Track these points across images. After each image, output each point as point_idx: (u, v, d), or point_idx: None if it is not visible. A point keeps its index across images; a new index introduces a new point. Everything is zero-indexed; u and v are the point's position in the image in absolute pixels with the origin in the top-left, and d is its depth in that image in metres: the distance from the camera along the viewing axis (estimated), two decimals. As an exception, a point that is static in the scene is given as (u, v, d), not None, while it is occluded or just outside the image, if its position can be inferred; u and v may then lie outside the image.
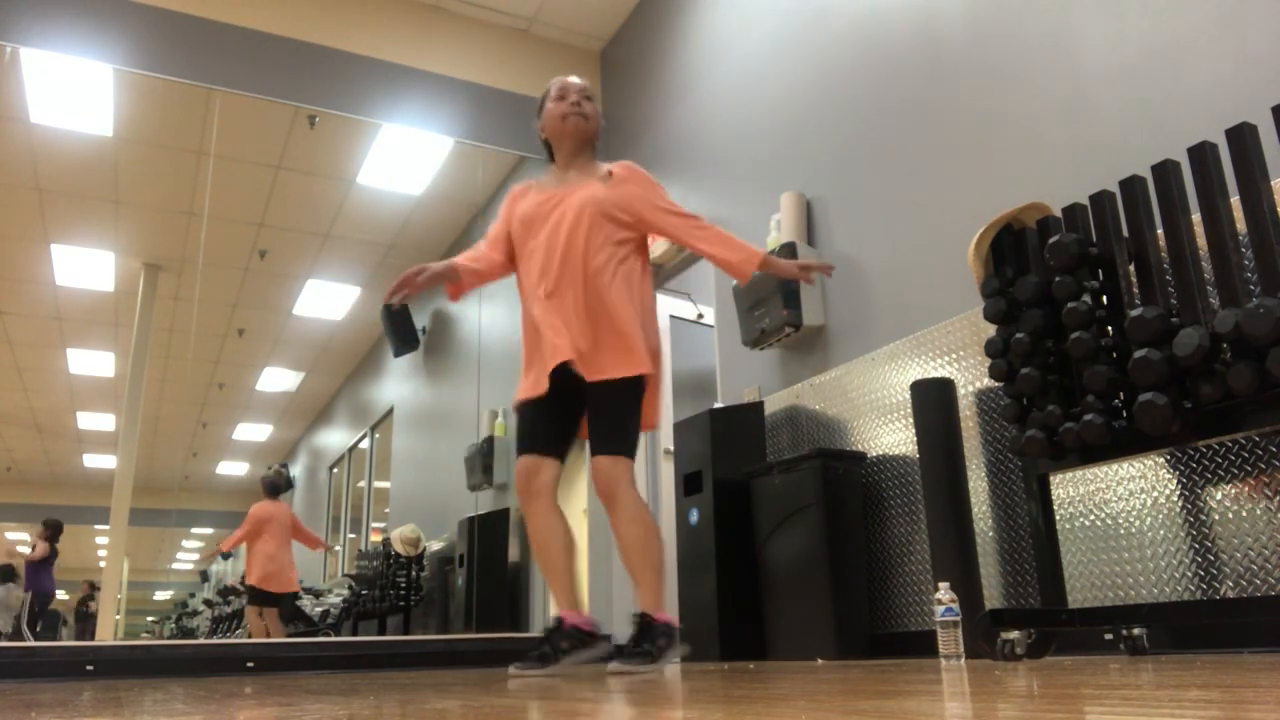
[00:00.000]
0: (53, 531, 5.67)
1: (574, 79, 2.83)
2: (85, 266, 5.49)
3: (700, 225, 2.67)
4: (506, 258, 2.82)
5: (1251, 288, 2.11)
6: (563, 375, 2.55)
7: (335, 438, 6.93)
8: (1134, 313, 2.07)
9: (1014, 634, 2.20)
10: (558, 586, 2.54)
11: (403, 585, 5.79)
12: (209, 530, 6.45)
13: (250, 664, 3.95)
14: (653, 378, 2.60)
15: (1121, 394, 2.19)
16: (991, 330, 2.89)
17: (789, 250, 3.70)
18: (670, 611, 2.57)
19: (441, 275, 2.64)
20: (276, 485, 5.70)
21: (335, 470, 6.88)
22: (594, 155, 2.87)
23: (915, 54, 3.42)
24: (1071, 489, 2.63)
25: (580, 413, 2.65)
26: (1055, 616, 2.28)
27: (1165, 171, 2.16)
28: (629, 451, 2.51)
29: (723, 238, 2.65)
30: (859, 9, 3.73)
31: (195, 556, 6.48)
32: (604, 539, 5.17)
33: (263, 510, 5.61)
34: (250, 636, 5.41)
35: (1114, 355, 2.20)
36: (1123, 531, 2.46)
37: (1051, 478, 2.65)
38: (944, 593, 2.32)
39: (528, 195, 2.82)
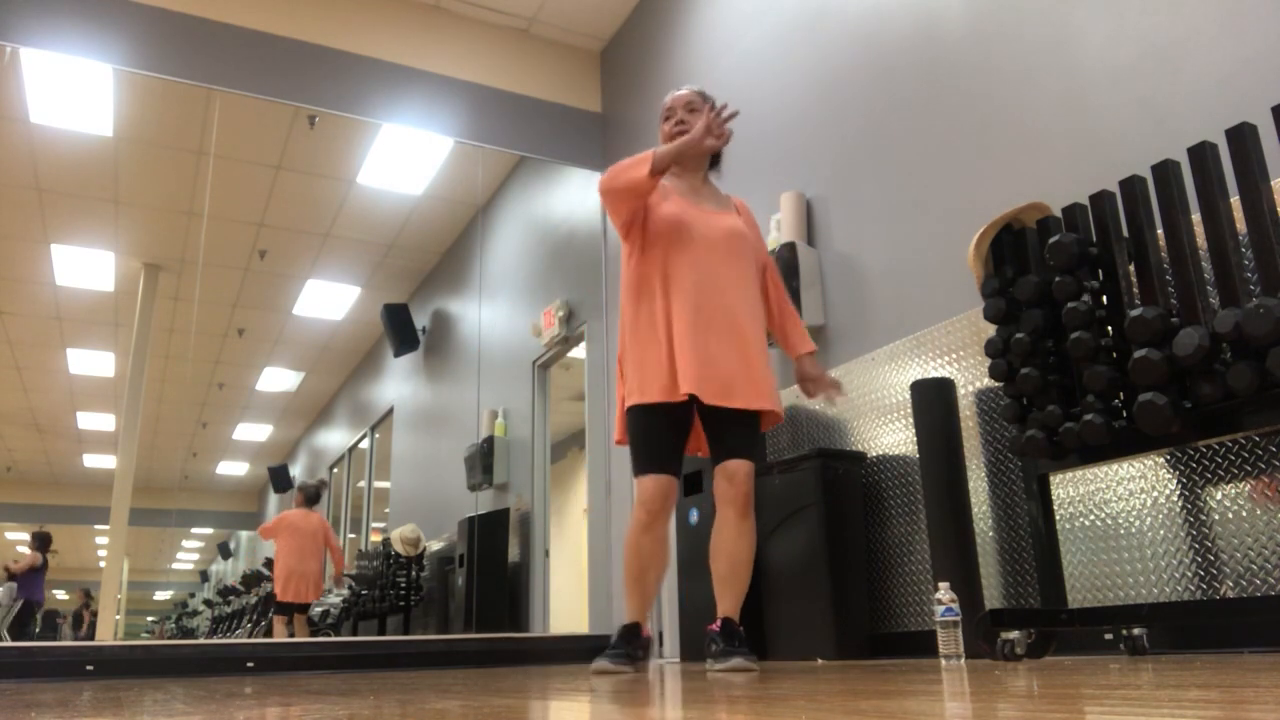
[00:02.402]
0: (40, 543, 5.68)
1: (681, 92, 2.79)
2: (85, 266, 5.49)
3: (787, 297, 2.86)
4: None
5: (1251, 288, 2.11)
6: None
7: (335, 438, 6.93)
8: (1134, 313, 2.07)
9: (1014, 634, 2.20)
10: (642, 601, 2.54)
11: (403, 585, 5.79)
12: (209, 530, 6.44)
13: (250, 664, 3.95)
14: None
15: (1121, 394, 2.19)
16: (991, 330, 2.89)
17: (789, 250, 3.70)
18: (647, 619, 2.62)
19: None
20: (313, 497, 5.73)
21: (335, 470, 6.88)
22: (713, 166, 2.85)
23: (915, 54, 3.42)
24: (1071, 489, 2.63)
25: (690, 429, 2.64)
26: (1055, 616, 2.28)
27: (1165, 171, 2.16)
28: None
29: (796, 317, 2.86)
30: (859, 9, 3.73)
31: (195, 557, 6.48)
32: (603, 539, 5.17)
33: (290, 518, 5.64)
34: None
35: (1114, 355, 2.20)
36: (1123, 531, 2.46)
37: (1051, 478, 2.65)
38: (944, 593, 2.32)
39: (667, 194, 2.72)
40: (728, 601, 2.51)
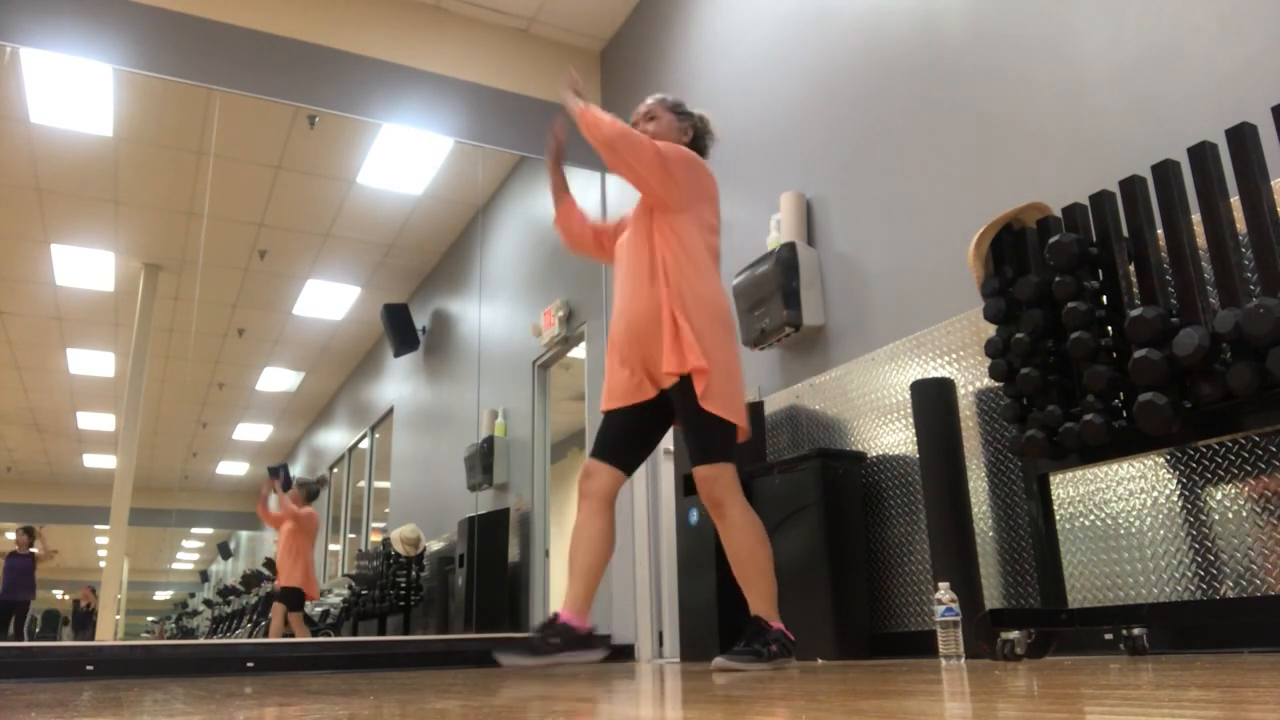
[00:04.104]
0: (30, 538, 5.66)
1: (644, 102, 2.86)
2: (85, 266, 5.49)
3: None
4: (599, 242, 2.95)
5: (1251, 288, 2.11)
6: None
7: (335, 438, 6.93)
8: (1134, 313, 2.07)
9: (1014, 634, 2.20)
10: (571, 587, 2.55)
11: (403, 585, 5.79)
12: (209, 530, 6.45)
13: (250, 664, 3.96)
14: (718, 367, 2.52)
15: (1121, 394, 2.19)
16: (991, 330, 2.89)
17: (789, 250, 3.70)
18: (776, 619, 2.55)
19: (558, 183, 2.95)
20: (315, 494, 5.75)
21: (335, 470, 6.88)
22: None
23: (916, 54, 3.42)
24: (1071, 489, 2.63)
25: (658, 427, 2.71)
26: (1055, 616, 2.28)
27: (1165, 171, 2.16)
28: (725, 456, 2.50)
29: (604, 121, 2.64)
30: (859, 9, 3.73)
31: (195, 557, 6.47)
32: (604, 539, 5.16)
33: (312, 516, 5.66)
34: (269, 636, 5.42)
35: (1114, 355, 2.20)
36: (1123, 531, 2.46)
37: (1051, 478, 2.65)
38: (944, 593, 2.32)
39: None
40: (751, 598, 2.52)
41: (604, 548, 2.56)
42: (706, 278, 2.60)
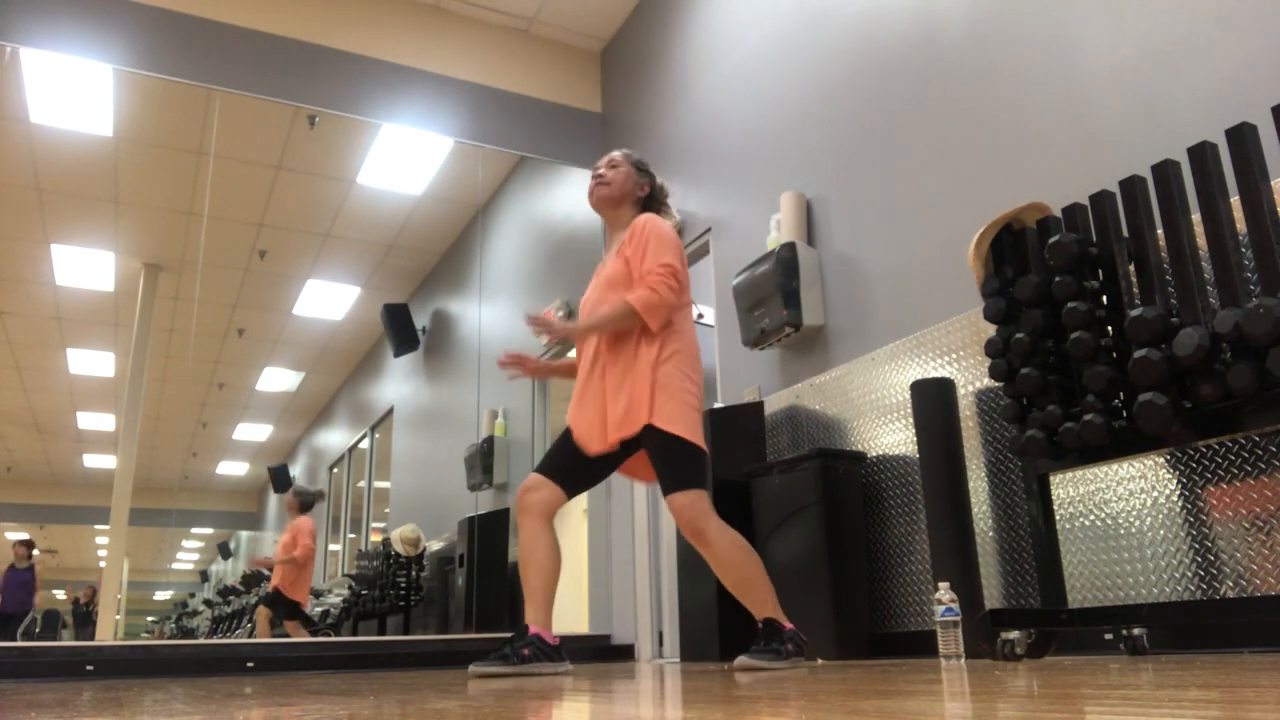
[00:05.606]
0: (29, 550, 5.66)
1: (610, 154, 2.96)
2: (85, 266, 5.49)
3: (640, 293, 2.63)
4: None
5: (1251, 288, 2.11)
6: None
7: (335, 438, 6.93)
8: (1134, 313, 2.07)
9: (1014, 634, 2.20)
10: (529, 601, 2.59)
11: (403, 585, 5.79)
12: (209, 530, 6.44)
13: (250, 664, 3.96)
14: (682, 396, 2.60)
15: (1121, 394, 2.19)
16: (991, 330, 2.89)
17: (789, 250, 3.70)
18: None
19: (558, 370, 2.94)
20: (309, 504, 5.77)
21: (335, 470, 6.88)
22: (635, 211, 2.91)
23: (915, 54, 3.42)
24: (1071, 489, 2.63)
25: (607, 467, 2.76)
26: (1055, 616, 2.28)
27: (1165, 171, 2.16)
28: (698, 482, 2.54)
29: (618, 307, 2.63)
30: (859, 9, 3.73)
31: (195, 557, 6.47)
32: (603, 541, 5.17)
33: (310, 526, 5.68)
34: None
35: (1114, 355, 2.20)
36: (1123, 531, 2.46)
37: (1051, 478, 2.65)
38: (944, 593, 2.32)
39: None
40: (755, 609, 2.56)
41: (555, 566, 2.63)
42: (682, 330, 2.69)
